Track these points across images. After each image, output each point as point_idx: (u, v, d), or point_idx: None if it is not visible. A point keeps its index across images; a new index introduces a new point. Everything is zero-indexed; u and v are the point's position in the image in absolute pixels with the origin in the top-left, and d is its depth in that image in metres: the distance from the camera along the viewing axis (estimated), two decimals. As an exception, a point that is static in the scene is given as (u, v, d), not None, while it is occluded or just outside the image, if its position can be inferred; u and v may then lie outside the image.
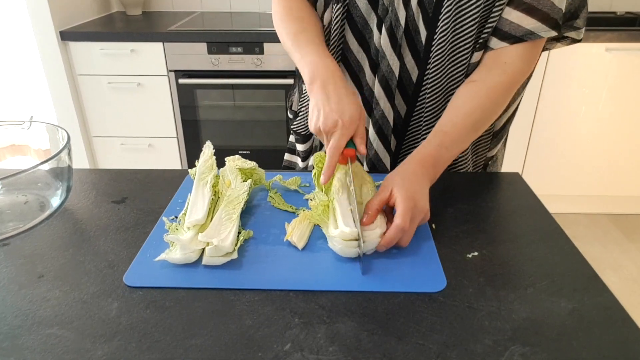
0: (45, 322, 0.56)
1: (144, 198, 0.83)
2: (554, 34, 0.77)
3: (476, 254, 0.68)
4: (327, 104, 0.74)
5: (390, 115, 0.91)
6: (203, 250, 0.66)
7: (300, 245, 0.69)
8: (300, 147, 1.04)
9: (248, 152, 2.46)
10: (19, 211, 0.77)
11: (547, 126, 2.37)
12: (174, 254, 0.65)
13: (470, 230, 0.73)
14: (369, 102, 0.92)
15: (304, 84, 0.94)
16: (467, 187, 0.86)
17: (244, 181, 0.80)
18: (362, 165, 0.78)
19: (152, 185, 0.87)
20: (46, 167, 0.73)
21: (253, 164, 0.83)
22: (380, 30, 0.84)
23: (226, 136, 2.45)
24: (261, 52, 2.20)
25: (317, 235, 0.72)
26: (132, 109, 2.40)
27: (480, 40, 0.81)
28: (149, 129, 2.46)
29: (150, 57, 2.27)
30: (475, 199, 0.82)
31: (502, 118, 0.95)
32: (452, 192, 0.85)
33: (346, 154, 0.74)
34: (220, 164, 0.82)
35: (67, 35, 2.25)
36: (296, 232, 0.70)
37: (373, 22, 0.85)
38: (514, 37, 0.78)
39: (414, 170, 0.73)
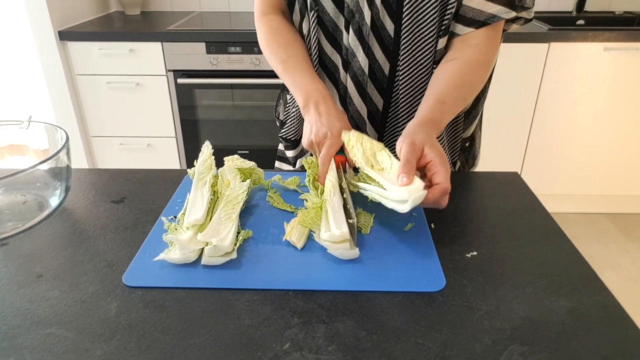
0: (44, 321, 0.56)
1: (142, 198, 0.83)
2: (513, 14, 0.84)
3: (475, 253, 0.68)
4: (318, 120, 0.82)
5: (363, 112, 0.95)
6: (202, 250, 0.66)
7: (299, 245, 0.69)
8: (290, 154, 1.08)
9: (247, 151, 2.46)
10: (18, 211, 0.77)
11: (545, 126, 2.37)
12: (173, 254, 0.65)
13: (469, 230, 0.73)
14: (344, 99, 0.96)
15: (289, 94, 1.02)
16: (466, 187, 0.86)
17: (243, 181, 0.80)
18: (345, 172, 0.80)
19: (151, 185, 0.87)
20: (45, 166, 0.73)
21: (252, 163, 0.83)
22: (348, 31, 0.89)
23: (225, 136, 2.45)
24: (260, 52, 2.19)
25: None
26: (131, 108, 2.40)
27: (443, 27, 0.85)
28: (148, 129, 2.45)
29: (149, 56, 2.27)
30: (475, 199, 0.82)
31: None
32: (451, 191, 0.85)
33: (337, 160, 0.79)
34: (219, 163, 0.82)
35: (65, 35, 2.25)
36: (295, 231, 0.70)
37: (341, 24, 0.90)
38: (479, 21, 0.84)
39: (430, 132, 0.74)
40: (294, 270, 0.64)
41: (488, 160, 2.46)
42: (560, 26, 2.22)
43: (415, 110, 0.92)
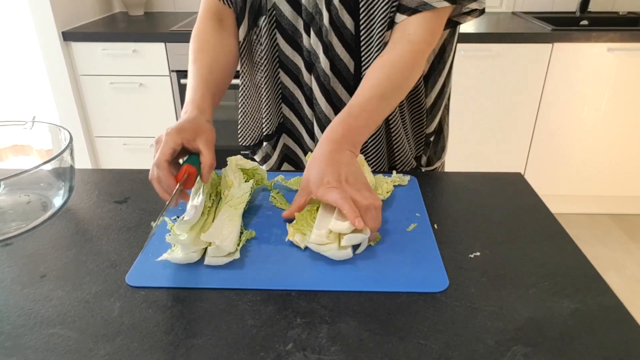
0: (47, 321, 0.56)
1: (146, 198, 0.83)
2: (445, 4, 0.81)
3: (478, 254, 0.68)
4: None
5: (329, 112, 0.94)
6: (205, 249, 0.66)
7: (302, 245, 0.69)
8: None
9: (249, 152, 2.46)
10: (22, 211, 0.78)
11: (549, 126, 2.37)
12: (176, 254, 0.65)
13: (472, 231, 0.73)
14: (310, 100, 0.96)
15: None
16: (469, 188, 0.86)
17: (246, 181, 0.80)
18: None
19: (154, 185, 0.87)
20: (48, 167, 0.73)
21: (255, 164, 0.83)
22: (308, 34, 0.89)
23: (227, 136, 2.46)
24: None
25: (319, 235, 0.72)
26: (134, 109, 2.41)
27: (388, 20, 0.84)
28: (151, 129, 2.46)
29: (152, 57, 2.27)
30: (477, 199, 0.82)
31: (430, 95, 0.98)
32: (454, 192, 0.85)
33: (186, 171, 0.71)
34: (222, 164, 0.82)
35: (69, 36, 2.25)
36: (298, 232, 0.70)
37: (301, 26, 0.90)
38: (410, 8, 0.82)
39: (325, 152, 0.72)
40: (296, 271, 0.64)
41: (491, 161, 2.46)
42: (564, 27, 2.21)
43: None
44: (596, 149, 2.40)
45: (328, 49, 0.89)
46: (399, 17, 0.83)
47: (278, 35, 0.92)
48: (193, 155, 0.73)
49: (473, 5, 0.85)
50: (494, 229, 0.74)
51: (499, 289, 0.61)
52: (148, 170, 0.91)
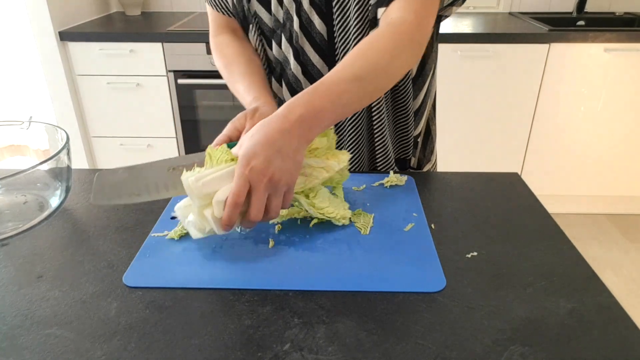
0: (44, 322, 0.56)
1: (143, 198, 0.83)
2: None
3: (475, 254, 0.68)
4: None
5: None
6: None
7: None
8: None
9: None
10: (18, 211, 0.77)
11: (546, 126, 2.37)
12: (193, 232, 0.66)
13: (470, 230, 0.73)
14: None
15: None
16: (466, 188, 0.86)
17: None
18: None
19: (151, 185, 0.87)
20: (45, 167, 0.73)
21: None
22: (279, 41, 0.90)
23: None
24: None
25: (316, 234, 0.72)
26: (131, 109, 2.41)
27: (367, 17, 0.82)
28: (148, 129, 2.46)
29: (150, 57, 2.27)
30: (474, 199, 0.82)
31: (419, 96, 0.97)
32: (451, 192, 0.85)
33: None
34: None
35: (66, 36, 2.25)
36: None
37: (277, 34, 0.91)
38: None
39: (273, 129, 0.64)
40: (294, 271, 0.64)
41: (488, 161, 2.47)
42: (561, 27, 2.22)
43: (363, 111, 0.93)
44: (593, 149, 2.41)
45: (299, 54, 0.89)
46: (379, 12, 0.80)
47: (265, 43, 0.94)
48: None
49: None
50: (491, 229, 0.74)
51: (496, 289, 0.61)
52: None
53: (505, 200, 0.82)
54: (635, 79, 2.24)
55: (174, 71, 2.29)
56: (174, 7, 2.79)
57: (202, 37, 2.19)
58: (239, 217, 0.63)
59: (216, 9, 0.98)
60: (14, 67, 2.56)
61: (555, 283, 0.62)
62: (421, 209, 0.78)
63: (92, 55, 2.28)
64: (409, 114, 0.97)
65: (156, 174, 0.70)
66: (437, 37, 0.96)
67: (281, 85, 0.96)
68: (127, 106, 2.40)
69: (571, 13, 2.67)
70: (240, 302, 0.59)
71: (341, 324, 0.55)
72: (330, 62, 0.89)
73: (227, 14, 0.96)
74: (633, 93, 2.27)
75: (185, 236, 0.71)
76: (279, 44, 0.91)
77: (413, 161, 1.06)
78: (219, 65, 0.95)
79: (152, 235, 0.72)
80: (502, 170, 0.92)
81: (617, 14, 2.65)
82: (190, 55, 2.24)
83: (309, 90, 0.67)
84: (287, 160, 0.63)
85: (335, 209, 0.73)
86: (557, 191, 2.53)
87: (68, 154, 0.77)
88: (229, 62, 0.93)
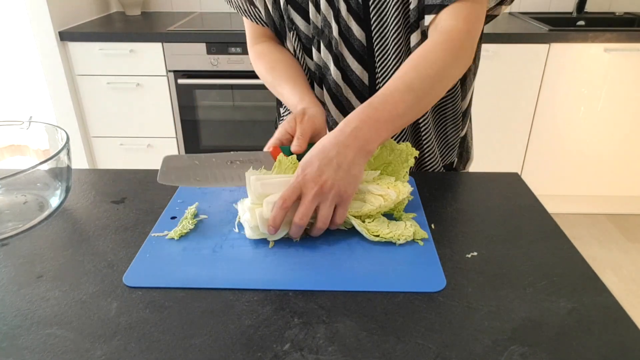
0: (44, 322, 0.56)
1: (143, 198, 0.83)
2: None
3: (475, 254, 0.68)
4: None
5: None
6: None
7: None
8: None
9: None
10: (18, 211, 0.77)
11: (546, 126, 2.37)
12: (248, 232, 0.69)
13: (470, 230, 0.73)
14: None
15: (282, 107, 1.06)
16: (466, 187, 0.86)
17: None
18: None
19: (151, 185, 0.87)
20: (45, 167, 0.73)
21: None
22: (318, 48, 0.90)
23: (225, 136, 2.46)
24: (260, 52, 2.20)
25: (316, 235, 0.72)
26: (131, 109, 2.41)
27: (409, 22, 0.83)
28: (148, 129, 2.46)
29: (150, 57, 2.27)
30: (475, 199, 0.82)
31: (466, 97, 0.98)
32: (451, 192, 0.85)
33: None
34: None
35: (66, 36, 2.25)
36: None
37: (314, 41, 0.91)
38: (435, 5, 0.78)
39: (329, 142, 0.67)
40: (294, 271, 0.64)
41: (488, 161, 2.47)
42: (561, 27, 2.22)
43: None
44: (593, 149, 2.41)
45: (339, 60, 0.89)
46: (427, 19, 0.79)
47: (303, 51, 0.94)
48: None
49: None
50: (491, 229, 0.74)
51: (496, 289, 0.61)
52: (145, 170, 0.92)
53: (506, 200, 0.82)
54: (635, 79, 2.24)
55: (174, 71, 2.29)
56: (174, 7, 2.79)
57: (202, 37, 2.19)
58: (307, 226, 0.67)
59: (250, 18, 0.98)
60: (14, 67, 2.56)
61: (555, 283, 0.62)
62: (421, 208, 0.78)
63: (92, 55, 2.28)
64: (457, 115, 0.97)
65: (217, 165, 0.77)
66: (483, 36, 0.95)
67: (322, 90, 0.95)
68: (127, 106, 2.40)
69: (571, 13, 2.67)
70: (240, 302, 0.59)
71: (341, 324, 0.55)
72: (369, 67, 0.89)
73: (262, 23, 0.97)
74: (633, 93, 2.27)
75: (186, 236, 0.71)
76: (319, 50, 0.91)
77: (455, 162, 1.06)
78: (260, 71, 0.96)
79: (152, 235, 0.72)
80: (502, 170, 0.92)
81: (617, 14, 2.65)
82: (190, 55, 2.24)
83: (365, 104, 0.69)
84: (340, 171, 0.65)
85: (391, 230, 0.70)
86: (557, 191, 2.53)
87: (68, 154, 0.77)
88: (271, 67, 0.94)
